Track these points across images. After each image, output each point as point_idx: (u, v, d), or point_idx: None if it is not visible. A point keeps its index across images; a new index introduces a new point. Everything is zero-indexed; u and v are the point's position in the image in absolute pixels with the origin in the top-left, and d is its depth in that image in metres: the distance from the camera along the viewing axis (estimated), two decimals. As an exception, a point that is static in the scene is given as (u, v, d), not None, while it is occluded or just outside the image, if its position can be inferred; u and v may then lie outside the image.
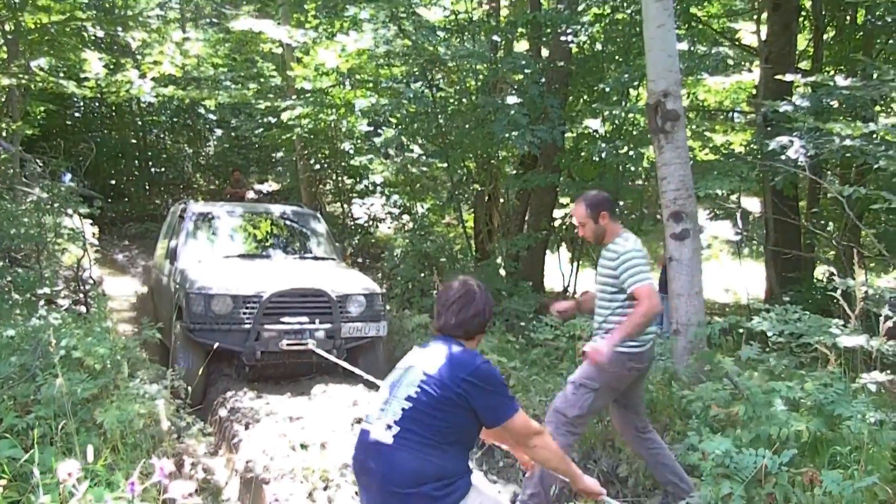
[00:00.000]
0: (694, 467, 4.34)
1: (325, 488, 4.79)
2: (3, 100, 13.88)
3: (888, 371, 5.41)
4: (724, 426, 4.54)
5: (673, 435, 5.15)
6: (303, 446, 5.25)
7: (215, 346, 6.55)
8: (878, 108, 9.59)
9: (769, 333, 5.70)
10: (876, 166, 6.40)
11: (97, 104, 20.31)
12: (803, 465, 4.05)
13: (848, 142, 6.26)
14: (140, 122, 21.70)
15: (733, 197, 13.47)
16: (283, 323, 7.05)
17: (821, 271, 11.62)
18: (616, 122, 10.42)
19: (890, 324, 4.73)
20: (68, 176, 12.07)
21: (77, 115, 20.98)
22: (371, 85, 12.77)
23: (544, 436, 3.22)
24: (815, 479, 3.79)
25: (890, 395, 5.30)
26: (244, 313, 6.99)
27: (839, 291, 5.66)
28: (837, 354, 5.58)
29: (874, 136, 6.14)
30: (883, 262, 11.70)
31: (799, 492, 3.88)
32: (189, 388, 5.91)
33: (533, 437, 3.18)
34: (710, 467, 3.99)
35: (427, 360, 3.15)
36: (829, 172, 11.88)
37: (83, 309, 9.22)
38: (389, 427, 3.01)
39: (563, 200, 13.67)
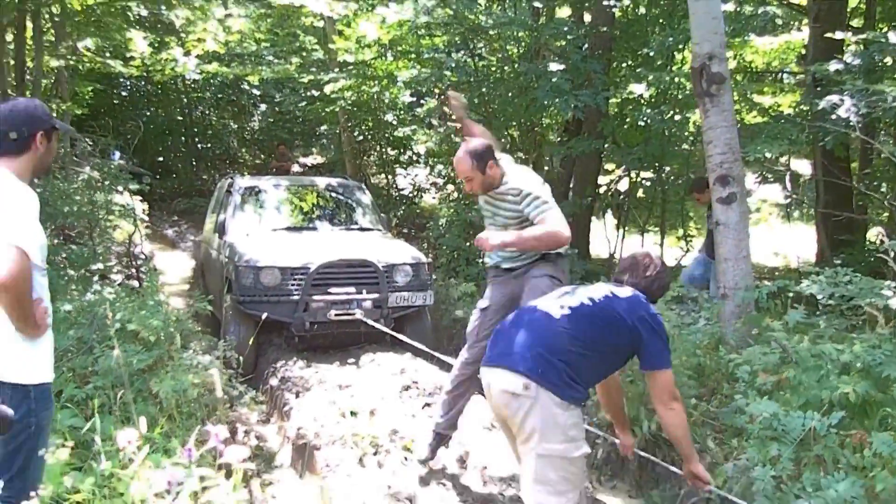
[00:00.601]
0: (740, 430, 4.34)
1: (375, 453, 4.87)
2: (52, 81, 14.16)
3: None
4: (771, 390, 4.50)
5: (720, 399, 5.12)
6: (352, 413, 5.35)
7: (264, 317, 6.66)
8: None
9: (819, 296, 5.64)
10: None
11: (143, 83, 20.58)
12: (852, 428, 4.02)
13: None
14: (185, 100, 21.96)
15: (783, 160, 13.25)
16: (330, 293, 7.14)
17: (874, 233, 11.38)
18: (661, 86, 10.26)
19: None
20: (117, 154, 12.28)
21: (124, 94, 21.31)
22: (413, 56, 12.74)
23: (682, 404, 3.46)
24: (864, 441, 3.77)
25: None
26: (292, 285, 7.09)
27: (893, 254, 5.58)
28: (888, 317, 5.51)
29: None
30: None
31: (848, 453, 3.86)
32: (240, 357, 6.04)
33: (674, 401, 3.40)
34: (757, 429, 3.99)
35: (615, 288, 3.49)
36: (881, 132, 11.59)
37: (136, 283, 9.44)
38: (562, 307, 3.36)
39: (608, 167, 13.58)
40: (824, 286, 5.60)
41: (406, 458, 4.88)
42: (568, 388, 3.16)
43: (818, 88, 8.99)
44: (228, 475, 2.46)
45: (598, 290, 3.46)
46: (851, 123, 6.75)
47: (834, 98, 7.32)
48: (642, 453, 4.29)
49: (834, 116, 7.47)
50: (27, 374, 2.87)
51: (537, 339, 3.25)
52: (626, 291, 3.46)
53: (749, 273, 5.92)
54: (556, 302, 3.41)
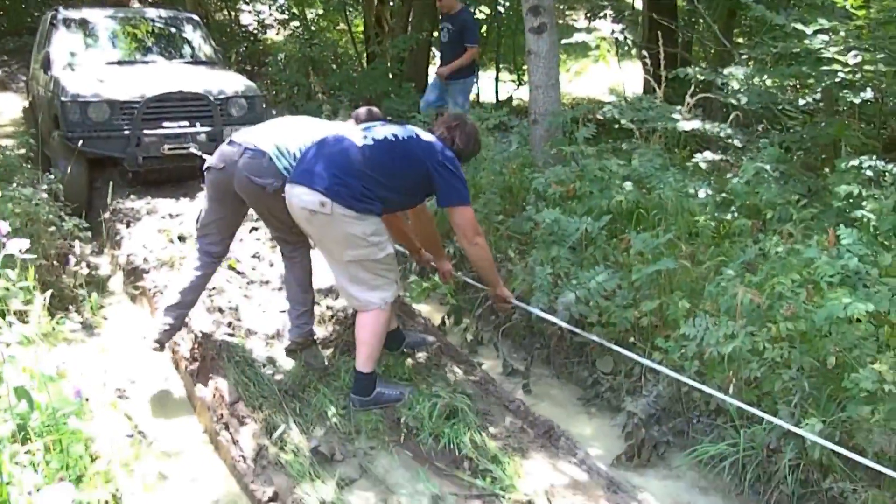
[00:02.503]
0: (528, 236, 4.84)
1: (201, 273, 5.14)
2: None
3: (720, 152, 5.99)
4: (561, 201, 5.00)
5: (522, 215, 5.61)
6: (180, 238, 5.57)
7: (92, 149, 6.60)
8: None
9: (621, 120, 6.15)
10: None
11: None
12: (623, 231, 4.58)
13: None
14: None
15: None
16: (163, 128, 7.09)
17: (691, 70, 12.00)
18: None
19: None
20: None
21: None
22: None
23: (483, 238, 3.78)
24: (627, 243, 4.31)
25: (722, 174, 5.83)
26: (122, 119, 6.99)
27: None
28: (679, 139, 6.10)
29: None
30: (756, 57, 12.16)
31: (617, 253, 4.42)
32: (61, 186, 6.03)
33: (477, 237, 3.75)
34: (540, 234, 4.49)
35: (420, 132, 3.73)
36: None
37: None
38: (366, 138, 3.58)
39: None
40: (624, 111, 6.12)
41: (230, 278, 5.19)
42: (362, 202, 3.46)
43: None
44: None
45: (403, 130, 3.69)
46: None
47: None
48: (458, 276, 4.68)
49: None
50: None
51: (337, 162, 3.51)
52: (428, 136, 3.72)
53: (557, 100, 6.33)
54: (361, 133, 3.65)
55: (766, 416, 3.15)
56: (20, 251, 2.51)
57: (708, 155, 5.60)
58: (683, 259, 4.17)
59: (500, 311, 4.51)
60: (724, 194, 4.90)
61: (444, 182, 3.61)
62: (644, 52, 6.49)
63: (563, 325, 4.04)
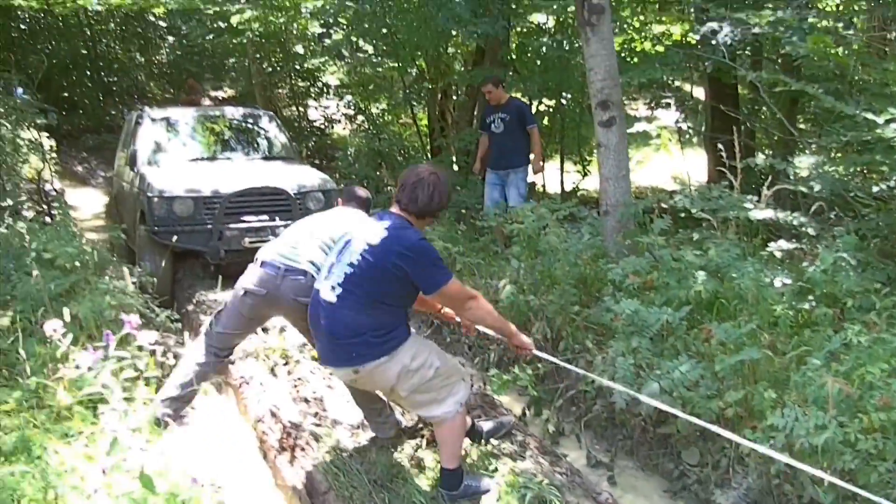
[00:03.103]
0: (608, 327, 4.89)
1: (286, 364, 5.30)
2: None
3: (794, 240, 6.00)
4: (638, 291, 5.05)
5: (600, 305, 5.67)
6: (264, 330, 5.73)
7: (176, 243, 6.89)
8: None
9: (692, 211, 6.21)
10: (783, 52, 6.80)
11: (42, 15, 19.94)
12: (703, 321, 4.60)
13: (756, 29, 6.64)
14: (89, 33, 21.36)
15: (686, 87, 13.83)
16: (244, 221, 7.36)
17: (761, 158, 12.06)
18: (559, 17, 10.67)
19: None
20: (20, 90, 12.09)
21: (23, 27, 20.61)
22: (318, -14, 12.81)
23: (478, 299, 3.66)
24: (708, 333, 4.33)
25: (797, 262, 5.83)
26: (206, 213, 7.29)
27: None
28: (750, 228, 6.13)
29: (783, 23, 6.51)
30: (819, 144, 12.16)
31: (698, 343, 4.44)
32: (154, 280, 6.30)
33: (467, 301, 3.63)
34: (620, 325, 4.54)
35: (371, 231, 3.55)
36: (766, 59, 12.21)
37: (48, 220, 9.52)
38: (334, 288, 3.51)
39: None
40: (695, 201, 6.19)
41: (314, 369, 5.32)
42: (384, 345, 3.46)
43: (703, 17, 9.52)
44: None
45: (356, 249, 3.52)
46: (722, 50, 7.23)
47: (713, 25, 7.81)
48: (485, 330, 4.53)
49: (714, 43, 7.99)
50: None
51: (334, 331, 3.49)
52: (379, 232, 3.51)
53: (628, 191, 6.45)
54: (328, 283, 3.55)
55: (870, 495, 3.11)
56: (149, 343, 2.66)
57: (782, 244, 5.62)
58: (765, 349, 4.17)
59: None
60: (801, 283, 4.90)
61: (418, 274, 3.46)
62: (718, 144, 6.55)
63: (617, 387, 4.05)
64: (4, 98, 10.50)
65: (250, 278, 4.15)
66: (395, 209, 3.67)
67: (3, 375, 4.39)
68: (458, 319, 4.23)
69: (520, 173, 8.38)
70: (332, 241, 4.04)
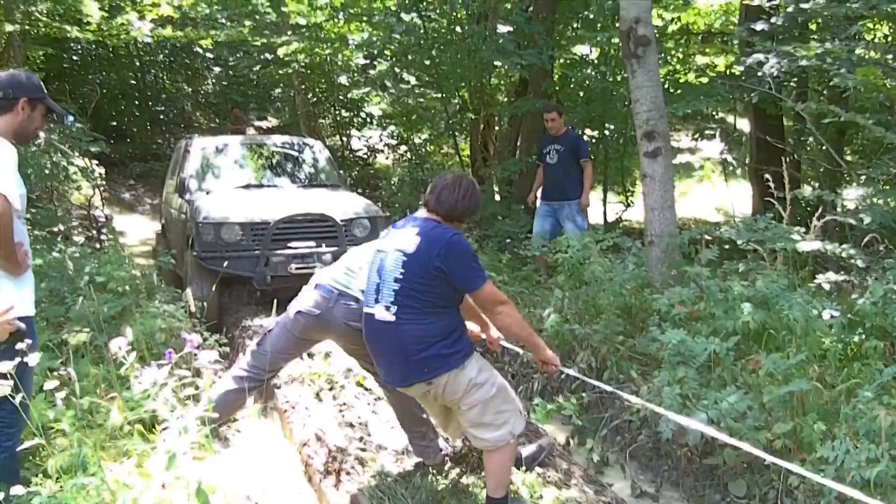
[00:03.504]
0: (653, 357, 4.87)
1: (331, 389, 5.35)
2: (3, 45, 14.17)
3: (842, 272, 5.93)
4: (685, 322, 5.03)
5: (646, 335, 5.65)
6: (309, 355, 5.78)
7: (224, 268, 6.99)
8: (868, 24, 9.67)
9: (738, 242, 6.18)
10: (829, 84, 6.78)
11: (94, 47, 20.46)
12: (751, 352, 4.57)
13: (804, 62, 6.63)
14: (138, 63, 21.86)
15: (719, 117, 13.79)
16: (290, 248, 7.40)
17: (808, 190, 11.93)
18: (603, 48, 10.74)
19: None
20: (72, 118, 12.41)
21: (76, 58, 21.15)
22: (364, 18, 13.03)
23: (509, 305, 3.65)
24: (756, 364, 4.30)
25: (846, 294, 5.77)
26: (253, 240, 7.36)
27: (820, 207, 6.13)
28: (797, 259, 6.08)
29: (830, 55, 6.48)
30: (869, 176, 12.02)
31: (745, 374, 4.41)
32: (204, 304, 6.39)
33: (499, 305, 3.60)
34: (666, 355, 4.52)
35: (403, 240, 3.57)
36: (812, 90, 12.14)
37: (97, 245, 9.74)
38: (388, 308, 3.53)
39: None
40: (741, 232, 6.15)
41: (359, 394, 5.36)
42: (451, 357, 3.50)
43: (748, 49, 9.52)
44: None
45: (394, 262, 3.55)
46: (767, 81, 7.21)
47: (759, 57, 7.81)
48: (508, 345, 4.42)
49: (760, 74, 7.98)
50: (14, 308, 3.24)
51: (401, 349, 3.51)
52: (413, 238, 3.54)
53: (673, 221, 6.45)
54: (381, 305, 3.55)
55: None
56: (209, 361, 2.72)
57: (830, 275, 5.56)
58: (814, 381, 4.13)
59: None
60: (850, 315, 4.85)
61: (455, 274, 3.48)
62: (765, 175, 6.52)
63: (637, 400, 4.02)
64: (57, 126, 10.79)
65: (304, 300, 4.19)
66: (422, 212, 3.72)
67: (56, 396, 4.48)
68: (483, 336, 4.22)
69: (574, 206, 8.32)
70: None
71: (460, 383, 3.51)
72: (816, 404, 4.06)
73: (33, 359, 2.68)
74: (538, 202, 8.65)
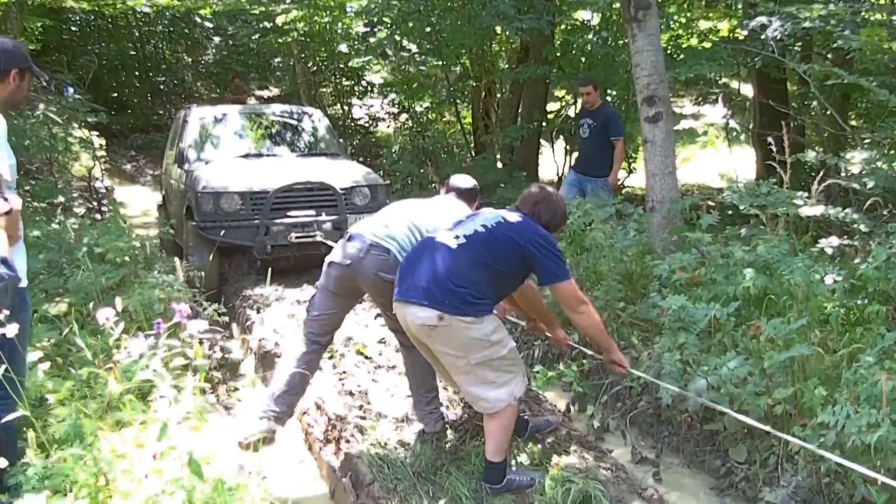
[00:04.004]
0: (654, 322, 4.84)
1: (330, 358, 5.33)
2: (1, 15, 14.07)
3: (846, 237, 5.88)
4: (686, 287, 5.00)
5: (646, 301, 5.62)
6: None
7: (223, 238, 6.98)
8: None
9: (740, 206, 6.12)
10: (834, 46, 6.68)
11: (93, 17, 20.33)
12: (752, 318, 4.54)
13: (807, 23, 6.52)
14: (137, 34, 21.75)
15: (733, 83, 13.65)
16: (290, 217, 7.38)
17: (812, 155, 11.83)
18: (604, 13, 10.61)
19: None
20: (71, 90, 12.33)
21: (74, 28, 21.03)
22: (363, -15, 12.90)
23: (590, 306, 3.77)
24: (757, 330, 4.27)
25: (849, 259, 5.72)
26: (252, 209, 7.33)
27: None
28: (800, 224, 6.03)
29: (834, 16, 6.39)
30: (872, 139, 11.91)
31: (746, 339, 4.38)
32: (202, 273, 6.37)
33: (581, 305, 3.72)
34: (667, 321, 4.49)
35: (504, 213, 3.79)
36: (818, 53, 12.00)
37: (98, 216, 9.71)
38: (458, 238, 3.62)
39: (558, 93, 13.91)
40: (743, 197, 6.10)
41: (359, 363, 5.35)
42: (475, 305, 3.50)
43: (751, 11, 9.39)
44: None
45: (490, 218, 3.72)
46: (771, 45, 7.12)
47: (762, 19, 7.69)
48: (574, 344, 4.64)
49: (763, 38, 7.87)
50: None
51: (440, 271, 3.56)
52: (515, 217, 3.74)
53: (675, 187, 6.39)
54: (452, 233, 3.69)
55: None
56: (198, 331, 2.70)
57: (833, 240, 5.51)
58: (815, 346, 4.10)
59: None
60: (853, 280, 4.81)
61: (541, 261, 3.61)
62: (767, 140, 6.44)
63: (700, 399, 4.01)
64: (56, 98, 10.73)
65: (336, 251, 4.17)
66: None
67: (56, 365, 4.47)
68: (547, 333, 4.40)
69: (598, 183, 8.19)
70: (424, 230, 4.05)
71: (472, 333, 3.50)
72: (817, 369, 4.03)
73: (11, 330, 2.62)
74: (569, 171, 8.58)
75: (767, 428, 3.59)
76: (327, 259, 4.21)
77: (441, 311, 3.46)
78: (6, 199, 2.94)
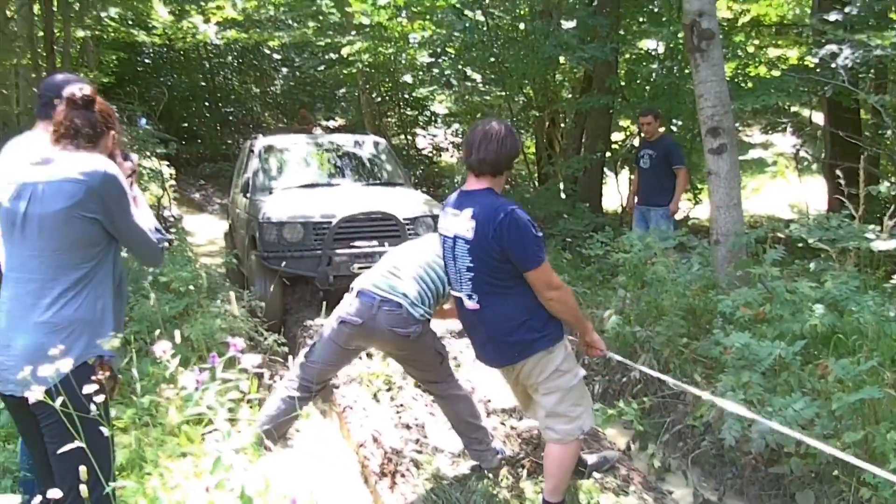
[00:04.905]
0: (717, 360, 4.72)
1: (388, 390, 5.33)
2: (79, 50, 14.60)
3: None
4: (750, 324, 4.86)
5: (710, 337, 5.50)
6: (368, 355, 5.78)
7: (285, 268, 7.01)
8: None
9: (809, 240, 5.96)
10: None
11: (165, 50, 20.95)
12: (819, 357, 4.39)
13: (879, 51, 6.36)
14: (208, 65, 22.33)
15: (804, 111, 13.35)
16: (353, 247, 7.33)
17: (887, 186, 11.48)
18: (669, 42, 10.51)
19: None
20: (143, 120, 12.68)
21: (147, 61, 21.69)
22: (426, 17, 13.02)
23: (562, 291, 3.49)
24: (825, 370, 4.12)
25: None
26: (315, 239, 7.32)
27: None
28: (872, 259, 5.84)
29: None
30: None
31: (812, 379, 4.23)
32: (263, 304, 6.43)
33: (552, 290, 3.44)
34: (730, 359, 4.37)
35: (462, 225, 3.47)
36: (892, 81, 11.67)
37: (166, 245, 9.90)
38: (471, 297, 3.56)
39: (623, 123, 13.80)
40: (812, 230, 5.93)
41: (416, 395, 5.33)
42: (539, 341, 3.48)
43: (821, 40, 9.20)
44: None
45: (461, 250, 3.52)
46: (841, 73, 6.96)
47: (832, 48, 7.53)
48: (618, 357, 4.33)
49: (833, 66, 7.69)
50: None
51: (495, 334, 3.55)
52: (468, 223, 3.43)
53: (740, 220, 6.25)
54: (463, 293, 3.58)
55: None
56: (252, 366, 2.71)
57: (905, 276, 5.33)
58: (887, 388, 3.94)
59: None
60: (928, 319, 4.62)
61: (515, 249, 3.36)
62: (838, 171, 6.27)
63: (690, 389, 3.88)
64: (129, 128, 11.04)
65: (346, 308, 4.14)
66: (470, 181, 3.57)
67: (119, 393, 4.56)
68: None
69: (660, 212, 8.13)
70: (429, 267, 4.04)
71: (544, 367, 3.52)
72: (890, 413, 3.87)
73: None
74: (635, 207, 8.55)
75: (858, 461, 3.30)
76: (336, 314, 4.20)
77: (514, 363, 3.58)
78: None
